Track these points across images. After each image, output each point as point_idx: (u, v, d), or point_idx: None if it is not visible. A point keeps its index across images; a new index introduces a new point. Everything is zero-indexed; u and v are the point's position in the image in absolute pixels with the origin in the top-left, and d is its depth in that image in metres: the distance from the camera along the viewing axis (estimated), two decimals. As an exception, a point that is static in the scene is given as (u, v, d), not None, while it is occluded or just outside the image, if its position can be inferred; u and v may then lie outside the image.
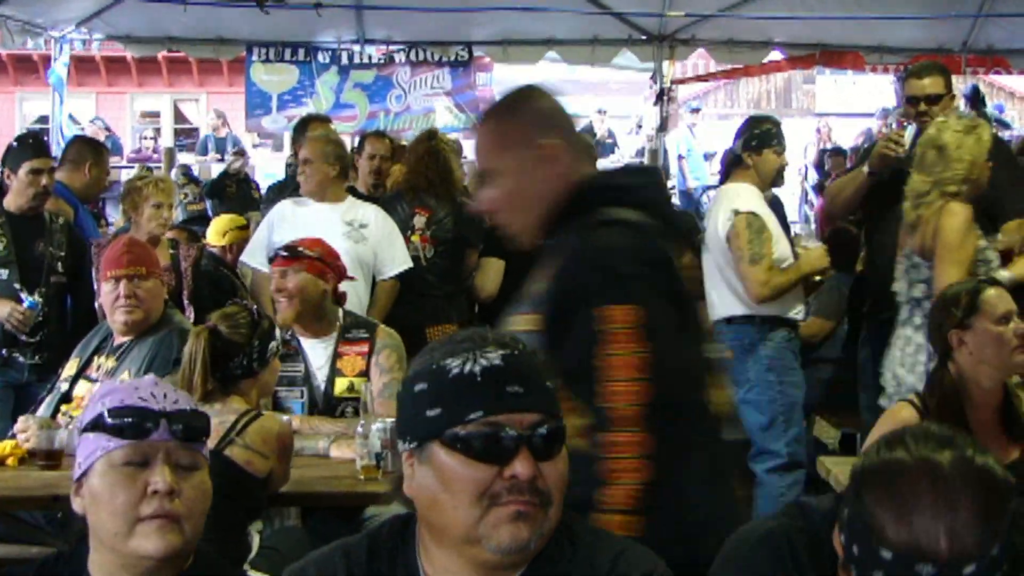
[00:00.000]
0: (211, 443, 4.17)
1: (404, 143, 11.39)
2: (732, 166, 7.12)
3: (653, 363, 2.91)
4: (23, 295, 6.69)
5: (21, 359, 6.80)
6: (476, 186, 4.37)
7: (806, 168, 19.36)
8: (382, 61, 14.11)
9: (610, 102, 24.48)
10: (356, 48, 14.05)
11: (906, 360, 5.71)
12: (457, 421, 2.22)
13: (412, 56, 14.11)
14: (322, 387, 5.64)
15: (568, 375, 2.84)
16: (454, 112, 14.23)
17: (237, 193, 13.97)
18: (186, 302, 7.08)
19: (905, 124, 6.52)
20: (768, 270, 6.56)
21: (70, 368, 5.58)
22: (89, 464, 2.62)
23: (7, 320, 6.64)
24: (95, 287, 6.96)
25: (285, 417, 5.10)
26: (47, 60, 15.27)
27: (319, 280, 5.66)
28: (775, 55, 14.17)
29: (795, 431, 6.80)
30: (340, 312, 5.82)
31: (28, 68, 27.07)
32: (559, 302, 3.08)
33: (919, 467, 2.25)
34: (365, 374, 5.64)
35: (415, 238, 7.61)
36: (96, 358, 5.56)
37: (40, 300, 6.71)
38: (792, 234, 9.40)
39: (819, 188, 17.65)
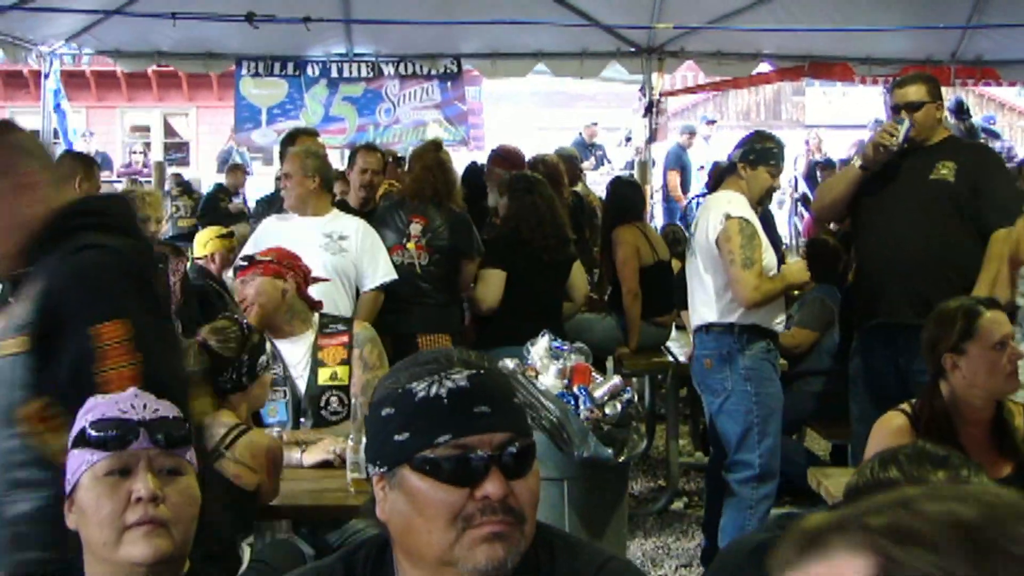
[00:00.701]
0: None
1: (398, 155, 11.47)
2: (725, 174, 7.14)
3: (145, 373, 3.03)
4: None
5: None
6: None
7: (795, 180, 19.40)
8: (371, 75, 14.11)
9: (599, 114, 24.55)
10: (345, 62, 14.06)
11: None
12: (426, 445, 2.20)
13: (401, 69, 14.12)
14: (304, 381, 5.67)
15: (63, 393, 2.97)
16: (444, 125, 14.23)
17: (228, 203, 14.04)
18: (174, 317, 7.08)
19: (900, 119, 6.50)
20: (759, 275, 6.56)
21: None
22: (76, 479, 2.65)
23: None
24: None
25: (276, 431, 5.10)
26: (37, 76, 15.26)
27: (276, 280, 5.70)
28: (764, 67, 14.21)
29: (770, 442, 6.78)
30: (316, 315, 5.87)
31: (18, 84, 27.08)
32: (47, 323, 3.11)
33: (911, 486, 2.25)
34: (347, 362, 5.69)
35: (411, 246, 7.63)
36: None
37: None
38: (783, 248, 9.44)
39: (805, 201, 17.72)
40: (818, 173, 17.27)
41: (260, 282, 5.67)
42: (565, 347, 6.31)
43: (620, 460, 5.84)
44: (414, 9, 12.40)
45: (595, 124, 20.99)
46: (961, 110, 14.66)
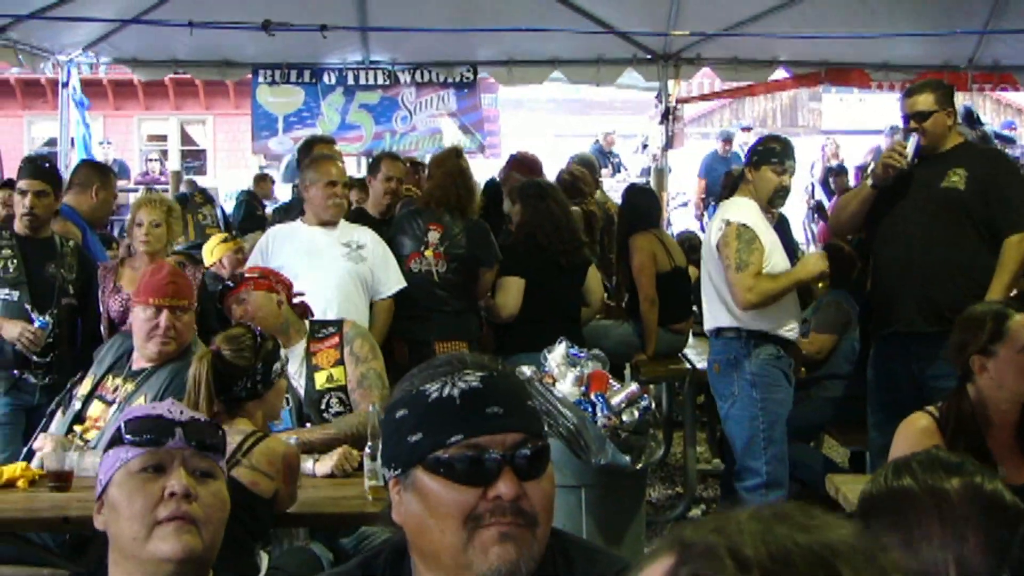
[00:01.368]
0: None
1: (418, 161, 11.48)
2: (739, 181, 7.16)
3: None
4: (34, 316, 6.72)
5: (32, 380, 6.82)
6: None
7: (812, 186, 19.38)
8: (387, 83, 14.12)
9: (615, 121, 24.53)
10: (362, 69, 14.07)
11: None
12: (439, 445, 2.21)
13: (417, 77, 14.15)
14: (303, 387, 5.72)
15: None
16: (460, 133, 14.25)
17: (264, 216, 14.05)
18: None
19: (909, 135, 6.51)
20: (754, 276, 6.53)
21: (85, 386, 5.56)
22: (108, 477, 2.66)
23: (18, 340, 6.68)
24: (100, 309, 7.00)
25: (293, 439, 5.10)
26: (55, 84, 15.30)
27: (271, 293, 5.79)
28: (780, 73, 14.18)
29: (776, 449, 6.77)
30: (306, 322, 5.92)
31: (36, 92, 27.15)
32: None
33: (927, 496, 2.24)
34: (341, 362, 5.76)
35: (428, 253, 7.64)
36: (111, 378, 5.53)
37: (51, 321, 6.74)
38: (799, 253, 9.40)
39: (818, 209, 17.70)
40: (831, 180, 17.24)
41: (256, 296, 5.74)
42: (582, 354, 6.30)
43: (637, 467, 5.84)
44: (430, 17, 12.41)
45: (613, 132, 20.99)
46: (971, 119, 14.61)
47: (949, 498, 2.22)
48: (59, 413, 5.55)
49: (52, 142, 18.47)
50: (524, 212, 7.94)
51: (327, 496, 4.89)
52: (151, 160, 23.44)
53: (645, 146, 19.25)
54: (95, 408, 5.43)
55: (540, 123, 30.67)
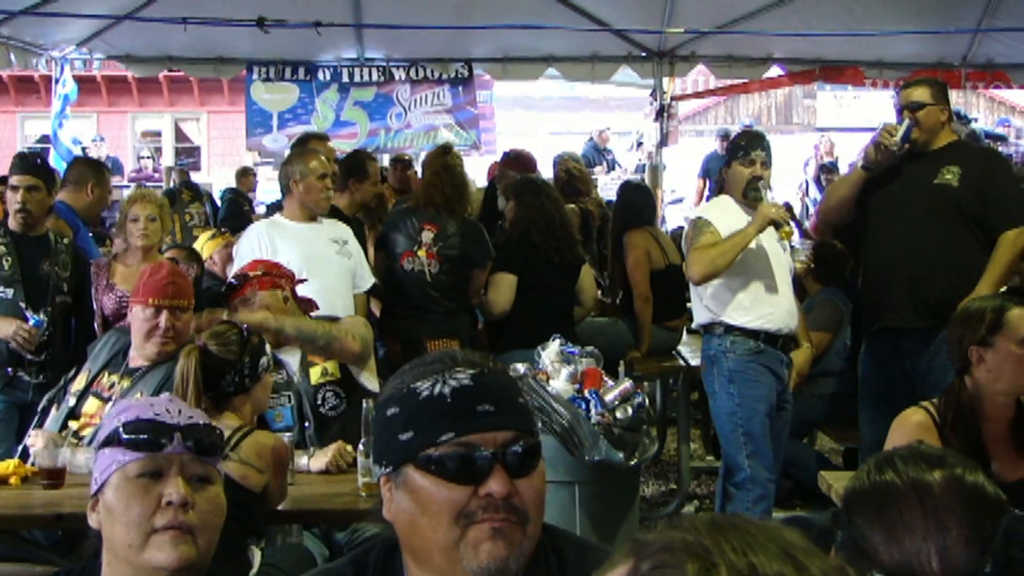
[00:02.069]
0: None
1: (407, 158, 11.48)
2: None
3: None
4: (28, 314, 6.70)
5: (26, 378, 6.81)
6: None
7: (807, 183, 19.39)
8: (382, 80, 14.11)
9: (610, 118, 24.54)
10: (356, 66, 14.07)
11: None
12: (430, 443, 2.22)
13: (412, 74, 14.14)
14: (301, 384, 5.70)
15: None
16: (455, 130, 14.24)
17: (251, 212, 14.02)
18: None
19: (902, 120, 6.51)
20: (697, 250, 6.52)
21: (79, 382, 5.56)
22: (105, 478, 2.65)
23: (12, 338, 6.67)
24: (93, 306, 6.99)
25: (287, 436, 5.09)
26: (48, 80, 15.30)
27: (276, 291, 5.74)
28: (775, 71, 14.19)
29: (756, 445, 6.75)
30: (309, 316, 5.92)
31: (30, 88, 27.15)
32: None
33: (908, 489, 2.26)
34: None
35: (421, 253, 7.65)
36: (107, 374, 5.53)
37: (45, 319, 6.73)
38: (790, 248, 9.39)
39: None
40: (822, 177, 17.26)
41: (263, 296, 5.68)
42: (576, 351, 6.31)
43: (631, 464, 5.85)
44: (425, 13, 12.40)
45: (608, 129, 20.96)
46: (959, 117, 14.65)
47: (931, 490, 2.23)
48: (52, 409, 5.54)
49: (46, 139, 18.45)
50: (518, 209, 7.94)
51: (321, 492, 4.89)
52: (145, 157, 23.42)
53: (640, 143, 19.26)
54: (90, 405, 5.42)
55: (535, 120, 30.70)
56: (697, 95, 20.48)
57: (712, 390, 6.78)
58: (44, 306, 6.80)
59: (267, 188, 17.39)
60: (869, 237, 6.88)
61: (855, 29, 12.51)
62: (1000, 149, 13.82)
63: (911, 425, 4.44)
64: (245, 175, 16.97)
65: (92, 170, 8.24)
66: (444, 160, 7.95)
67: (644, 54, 13.59)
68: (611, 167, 19.71)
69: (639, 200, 9.12)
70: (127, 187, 17.71)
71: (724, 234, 6.54)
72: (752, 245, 6.53)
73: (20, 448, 5.46)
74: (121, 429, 2.65)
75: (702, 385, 7.39)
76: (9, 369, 6.79)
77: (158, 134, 30.04)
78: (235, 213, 13.82)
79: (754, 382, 6.72)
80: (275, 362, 5.62)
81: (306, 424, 5.60)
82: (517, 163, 9.81)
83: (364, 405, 5.33)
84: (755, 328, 6.69)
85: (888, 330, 6.55)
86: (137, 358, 5.45)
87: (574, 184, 9.96)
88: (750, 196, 6.66)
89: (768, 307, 6.71)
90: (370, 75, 14.15)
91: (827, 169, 17.24)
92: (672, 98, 14.23)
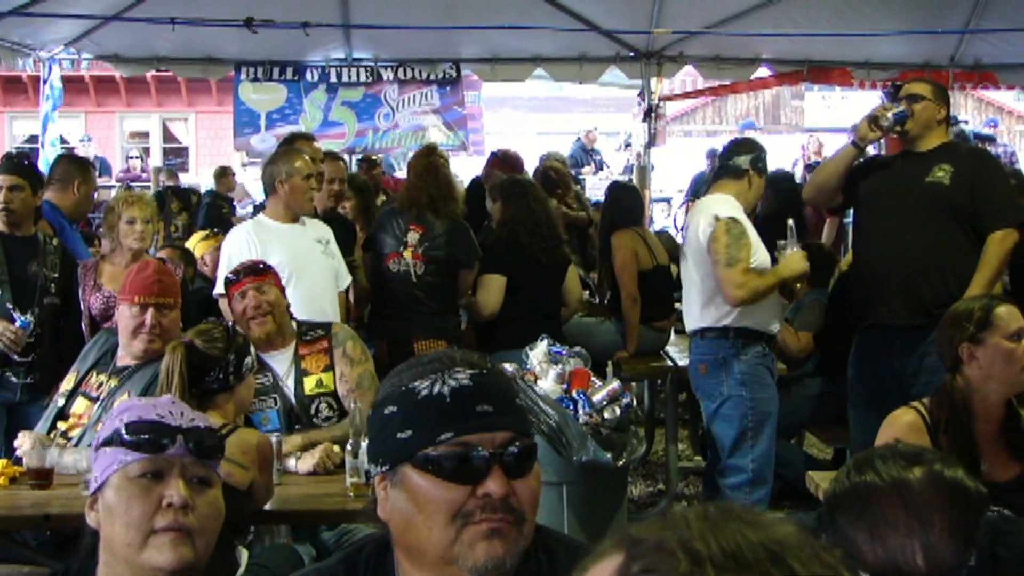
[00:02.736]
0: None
1: (372, 158, 11.48)
2: (720, 177, 7.11)
3: None
4: (15, 315, 6.68)
5: (14, 379, 6.77)
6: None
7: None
8: (370, 80, 14.11)
9: (598, 119, 24.56)
10: (344, 67, 14.06)
11: None
12: (428, 443, 2.22)
13: (400, 74, 14.14)
14: (292, 391, 5.67)
15: None
16: (443, 130, 14.24)
17: (231, 213, 13.99)
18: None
19: (896, 105, 6.53)
20: (744, 272, 6.54)
21: (67, 382, 5.55)
22: (105, 478, 2.65)
23: None
24: (81, 307, 6.97)
25: (275, 436, 5.08)
26: (36, 81, 15.29)
27: (282, 295, 5.77)
28: (763, 71, 14.21)
29: (763, 447, 6.79)
30: (293, 322, 5.89)
31: (17, 88, 27.11)
32: None
33: (888, 487, 2.27)
34: (331, 368, 5.70)
35: (407, 254, 7.63)
36: (95, 374, 5.51)
37: (32, 320, 6.70)
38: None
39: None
40: (806, 176, 17.30)
41: (277, 294, 5.72)
42: (564, 351, 6.31)
43: (619, 464, 5.85)
44: (413, 14, 12.40)
45: (595, 129, 20.98)
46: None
47: (912, 487, 2.25)
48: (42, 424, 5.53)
49: (34, 139, 18.44)
50: (505, 210, 7.94)
51: (308, 493, 4.89)
52: (133, 157, 23.38)
53: (628, 144, 19.29)
54: (79, 405, 5.41)
55: (523, 120, 30.72)
56: (685, 95, 20.51)
57: (718, 392, 6.76)
58: (32, 307, 6.77)
59: (256, 188, 17.38)
60: (861, 235, 6.90)
61: (843, 30, 12.54)
62: (988, 149, 13.85)
63: (901, 426, 4.45)
64: (224, 176, 16.93)
65: (77, 167, 8.19)
66: (428, 161, 7.93)
67: (632, 54, 13.61)
68: (599, 167, 19.73)
69: (627, 200, 9.11)
70: (114, 187, 17.69)
71: (752, 240, 6.65)
72: (762, 254, 6.71)
73: (8, 449, 5.45)
74: (123, 429, 2.65)
75: (690, 385, 7.39)
76: (-4, 370, 6.78)
77: (146, 134, 30.00)
78: (215, 218, 13.80)
79: (765, 385, 6.77)
80: (260, 365, 5.63)
81: (296, 427, 5.60)
82: (505, 163, 9.81)
83: (353, 406, 5.33)
84: (761, 331, 6.73)
85: (879, 327, 6.56)
86: (125, 357, 5.44)
87: (551, 186, 9.94)
88: (779, 245, 6.74)
89: (769, 311, 6.78)
90: (358, 75, 14.15)
91: (812, 169, 17.25)
92: (660, 99, 14.26)
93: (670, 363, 8.49)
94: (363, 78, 14.17)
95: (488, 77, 14.66)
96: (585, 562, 1.33)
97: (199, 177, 22.50)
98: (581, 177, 17.28)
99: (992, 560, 2.27)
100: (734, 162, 6.96)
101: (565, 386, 6.03)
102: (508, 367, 5.91)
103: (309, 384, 5.68)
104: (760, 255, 6.69)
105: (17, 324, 6.66)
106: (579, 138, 20.53)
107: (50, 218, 7.58)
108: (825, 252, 8.76)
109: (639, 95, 14.12)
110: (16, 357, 6.73)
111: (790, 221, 6.77)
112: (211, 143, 28.37)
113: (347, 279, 7.35)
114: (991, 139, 17.75)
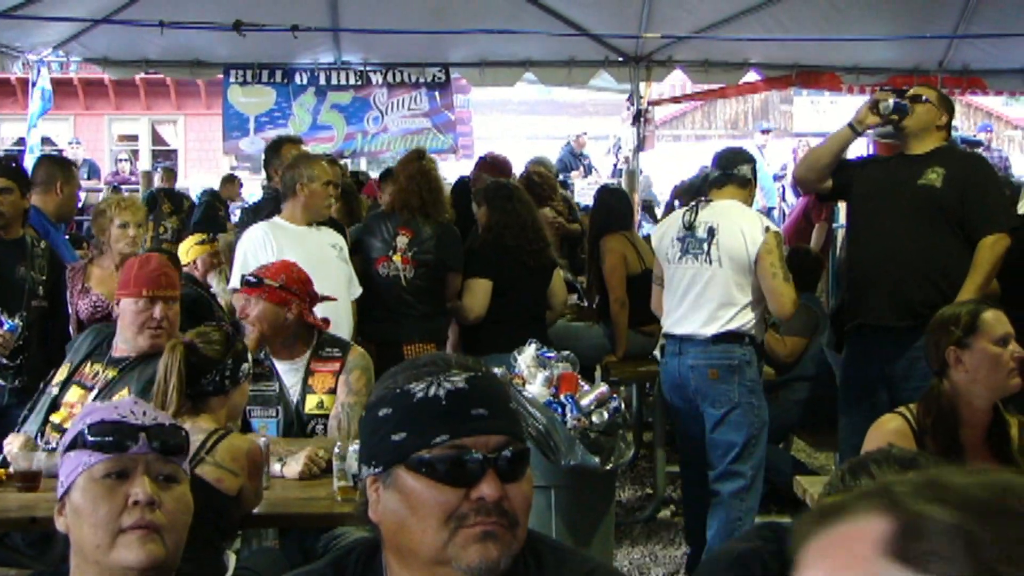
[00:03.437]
0: (182, 461, 4.18)
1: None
2: (725, 184, 7.03)
3: None
4: (3, 318, 6.66)
5: (1, 382, 6.76)
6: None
7: (783, 188, 19.44)
8: (359, 83, 14.11)
9: (587, 123, 24.60)
10: (333, 70, 14.06)
11: None
12: (423, 445, 2.21)
13: (389, 78, 14.15)
14: (294, 406, 5.65)
15: None
16: (432, 134, 14.25)
17: (227, 217, 13.98)
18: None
19: (893, 99, 6.53)
20: (794, 288, 6.64)
21: (61, 373, 5.54)
22: (71, 481, 2.65)
23: (-14, 343, 6.62)
24: (68, 310, 6.96)
25: (262, 440, 5.07)
26: (25, 83, 15.26)
27: (280, 309, 5.66)
28: (752, 76, 14.22)
29: (761, 453, 6.81)
30: (315, 334, 5.82)
31: (6, 91, 27.04)
32: None
33: None
34: (334, 391, 5.65)
35: (396, 258, 7.63)
36: (90, 364, 5.50)
37: (20, 323, 6.68)
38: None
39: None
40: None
41: (264, 308, 5.64)
42: (552, 355, 6.31)
43: (607, 468, 5.85)
44: (402, 18, 12.42)
45: (584, 134, 21.00)
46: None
47: None
48: (34, 413, 5.52)
49: (22, 142, 18.39)
50: (491, 214, 7.94)
51: (296, 497, 4.88)
52: (122, 160, 23.33)
53: (617, 148, 19.30)
54: (72, 394, 5.40)
55: (512, 124, 30.74)
56: (674, 100, 20.51)
57: (727, 399, 6.69)
58: (19, 310, 6.74)
59: (243, 191, 17.37)
60: (853, 235, 6.93)
61: (832, 34, 12.58)
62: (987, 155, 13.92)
63: (887, 432, 4.46)
64: (231, 182, 16.92)
65: (59, 168, 8.13)
66: (420, 164, 7.93)
67: (621, 59, 13.63)
68: (588, 172, 19.74)
69: (616, 205, 9.11)
70: (102, 190, 17.65)
71: None
72: None
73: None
74: (86, 431, 2.65)
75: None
76: (-16, 374, 6.76)
77: (135, 137, 29.96)
78: (210, 218, 13.76)
79: (763, 393, 6.80)
80: (270, 373, 5.63)
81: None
82: (493, 167, 9.80)
83: (341, 408, 5.33)
84: (760, 340, 6.77)
85: (867, 328, 6.56)
86: (122, 349, 5.42)
87: (535, 191, 9.93)
88: None
89: (764, 322, 6.84)
90: (347, 79, 14.16)
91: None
92: (649, 103, 14.29)
93: (658, 367, 8.49)
94: (352, 81, 14.17)
95: (477, 81, 14.67)
96: (831, 508, 1.18)
97: (188, 180, 22.46)
98: (570, 182, 17.29)
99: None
100: (739, 171, 6.91)
101: (553, 390, 6.03)
102: (496, 371, 5.90)
103: (311, 402, 5.65)
104: None
105: (5, 327, 6.63)
106: (568, 142, 20.55)
107: (34, 222, 7.53)
108: (813, 256, 8.78)
109: (628, 99, 14.15)
110: (4, 361, 6.71)
111: None
112: (200, 146, 28.36)
113: (358, 288, 7.37)
114: (980, 144, 17.76)
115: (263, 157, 9.07)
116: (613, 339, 8.55)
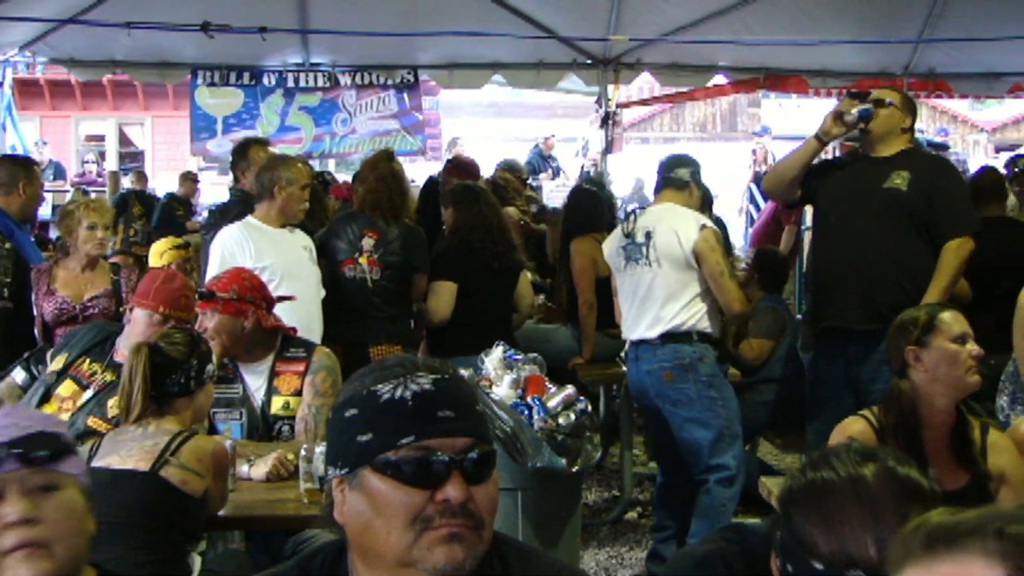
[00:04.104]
0: (145, 464, 4.16)
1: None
2: (662, 187, 7.18)
3: None
4: (-33, 320, 6.64)
5: (-36, 383, 6.74)
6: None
7: (750, 189, 19.57)
8: (327, 85, 14.09)
9: (555, 125, 24.61)
10: (302, 72, 14.03)
11: None
12: (389, 446, 2.21)
13: (358, 79, 14.12)
14: (259, 407, 5.64)
15: None
16: (401, 135, 14.23)
17: (186, 217, 13.95)
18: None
19: (858, 108, 6.56)
20: (734, 280, 6.71)
21: (56, 363, 5.54)
22: None
23: (-50, 344, 6.60)
24: (33, 312, 6.93)
25: (228, 442, 5.06)
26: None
27: (236, 319, 5.64)
28: (720, 79, 14.26)
29: (739, 443, 6.89)
30: (278, 336, 5.81)
31: (-28, 92, 26.89)
32: None
33: (844, 482, 2.32)
34: (300, 393, 5.64)
35: (363, 260, 7.61)
36: (88, 362, 5.53)
37: (-17, 325, 6.66)
38: (733, 254, 9.47)
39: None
40: (751, 184, 17.42)
41: (220, 321, 5.62)
42: (519, 357, 6.32)
43: (574, 470, 5.86)
44: (371, 20, 12.39)
45: (552, 136, 21.02)
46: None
47: (866, 482, 2.30)
48: (20, 372, 5.54)
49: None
50: (457, 216, 7.95)
51: (262, 499, 4.87)
52: (89, 161, 23.25)
53: (586, 150, 19.34)
54: (66, 387, 5.42)
55: (481, 126, 30.75)
56: (642, 102, 20.53)
57: (687, 397, 6.78)
58: (-17, 312, 6.74)
59: (211, 193, 17.33)
60: (819, 238, 6.95)
61: (799, 38, 12.62)
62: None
63: (850, 435, 4.48)
64: (187, 180, 16.90)
65: (22, 168, 8.03)
66: (391, 165, 7.91)
67: (589, 61, 13.64)
68: (556, 174, 19.77)
69: (589, 206, 9.11)
70: (69, 191, 17.58)
71: None
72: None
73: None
74: None
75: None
76: (-54, 374, 6.72)
77: (102, 138, 29.81)
78: (167, 220, 13.75)
79: (726, 385, 6.89)
80: (234, 376, 5.63)
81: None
82: (461, 170, 9.80)
83: (308, 409, 5.32)
84: (714, 335, 6.81)
85: (834, 331, 6.59)
86: (125, 355, 5.40)
87: (499, 194, 9.93)
88: None
89: (718, 316, 6.86)
90: (316, 80, 14.12)
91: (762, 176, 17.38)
92: (617, 105, 14.29)
93: (625, 369, 8.51)
94: (320, 83, 14.13)
95: (446, 83, 14.66)
96: (932, 532, 1.16)
97: (155, 181, 22.37)
98: (538, 184, 17.29)
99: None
100: (676, 174, 7.07)
101: (520, 392, 6.04)
102: (462, 373, 5.90)
103: (276, 404, 5.64)
104: None
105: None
106: (536, 145, 20.57)
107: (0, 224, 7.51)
108: (780, 259, 8.81)
109: (596, 102, 14.16)
110: (-33, 361, 6.69)
111: None
112: (167, 147, 28.23)
113: (323, 291, 7.36)
114: (944, 147, 17.88)
115: (230, 159, 9.04)
116: (580, 341, 8.55)
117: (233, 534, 5.36)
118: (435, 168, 13.94)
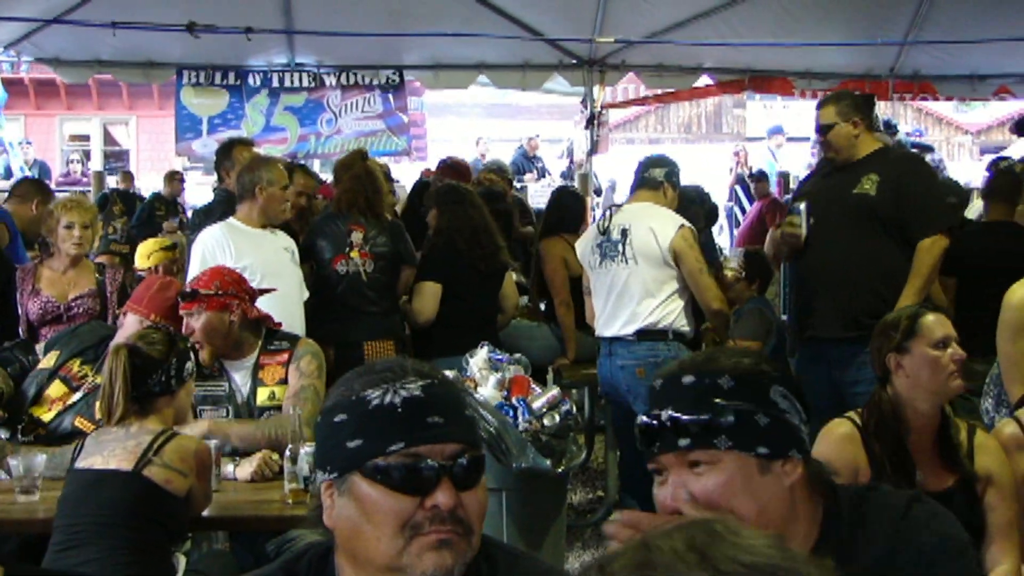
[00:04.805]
0: (128, 464, 4.16)
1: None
2: (637, 187, 7.24)
3: None
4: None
5: (-52, 385, 6.72)
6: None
7: (734, 191, 19.59)
8: (313, 85, 14.08)
9: (541, 126, 24.61)
10: (287, 72, 14.02)
11: None
12: (378, 452, 2.21)
13: (343, 80, 14.12)
14: (244, 400, 5.61)
15: None
16: (386, 135, 14.23)
17: (165, 217, 13.89)
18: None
19: (799, 209, 6.61)
20: (712, 278, 6.76)
21: (47, 361, 5.53)
22: None
23: (-66, 345, 6.58)
24: (18, 311, 6.92)
25: (212, 442, 5.05)
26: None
27: (223, 314, 5.58)
28: (705, 80, 14.29)
29: None
30: (262, 329, 5.79)
31: (-44, 91, 26.84)
32: None
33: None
34: (285, 382, 5.61)
35: (355, 254, 7.61)
36: (78, 363, 5.52)
37: (-32, 326, 6.66)
38: (721, 258, 9.47)
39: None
40: (752, 185, 17.40)
41: (207, 318, 5.55)
42: (504, 358, 6.32)
43: (558, 471, 5.85)
44: (357, 20, 12.39)
45: (537, 137, 21.04)
46: (887, 125, 14.83)
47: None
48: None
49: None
50: (442, 217, 7.95)
51: (247, 499, 4.87)
52: (74, 161, 23.18)
53: (571, 151, 19.34)
54: (56, 389, 5.41)
55: (466, 127, 30.73)
56: (627, 103, 20.54)
57: None
58: (-32, 312, 6.73)
59: (196, 192, 17.29)
60: (801, 249, 6.98)
61: (785, 40, 12.65)
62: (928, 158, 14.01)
63: (837, 437, 4.47)
64: (172, 180, 16.85)
65: (38, 189, 8.21)
66: (364, 165, 7.92)
67: (575, 62, 13.67)
68: (541, 175, 19.78)
69: (570, 206, 9.12)
70: (56, 191, 17.53)
71: None
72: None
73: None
74: None
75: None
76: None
77: (87, 138, 29.71)
78: (148, 219, 13.72)
79: None
80: (220, 373, 5.61)
81: None
82: (453, 171, 9.81)
83: (292, 411, 5.31)
84: (688, 335, 6.84)
85: (815, 339, 6.62)
86: None
87: (493, 191, 9.95)
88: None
89: (693, 315, 6.93)
90: (301, 81, 14.12)
91: (756, 178, 17.35)
92: (602, 106, 14.31)
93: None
94: (306, 83, 14.13)
95: (431, 84, 14.66)
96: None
97: (140, 181, 22.32)
98: (522, 185, 17.29)
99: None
100: (650, 174, 7.14)
101: (505, 393, 6.04)
102: (447, 374, 5.90)
103: (262, 395, 5.60)
104: None
105: (-48, 329, 6.61)
106: (521, 145, 20.57)
107: (8, 221, 7.59)
108: (765, 259, 8.81)
109: (582, 103, 14.18)
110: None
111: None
112: (152, 147, 28.17)
113: (306, 292, 7.35)
114: (928, 148, 17.89)
115: (215, 159, 9.02)
116: (563, 339, 8.56)
117: (217, 534, 5.36)
118: (420, 167, 13.95)
